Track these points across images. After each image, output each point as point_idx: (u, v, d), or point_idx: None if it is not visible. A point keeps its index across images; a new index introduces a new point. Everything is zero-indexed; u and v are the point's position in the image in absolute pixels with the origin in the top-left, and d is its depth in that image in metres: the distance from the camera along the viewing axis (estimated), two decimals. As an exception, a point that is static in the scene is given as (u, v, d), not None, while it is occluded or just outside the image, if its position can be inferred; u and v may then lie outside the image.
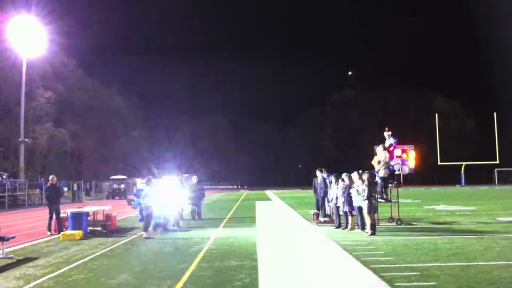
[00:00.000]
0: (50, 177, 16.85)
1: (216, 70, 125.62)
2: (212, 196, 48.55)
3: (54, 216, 15.98)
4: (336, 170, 17.55)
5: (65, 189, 17.74)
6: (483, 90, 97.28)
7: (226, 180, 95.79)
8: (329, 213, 17.52)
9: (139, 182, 20.96)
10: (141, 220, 18.89)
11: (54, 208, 15.99)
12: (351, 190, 14.76)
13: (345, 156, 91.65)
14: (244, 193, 60.45)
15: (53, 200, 16.15)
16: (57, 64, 62.82)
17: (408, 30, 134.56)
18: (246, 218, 20.89)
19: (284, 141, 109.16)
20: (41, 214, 23.38)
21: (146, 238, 14.10)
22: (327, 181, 17.17)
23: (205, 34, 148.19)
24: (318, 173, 17.87)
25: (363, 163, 17.65)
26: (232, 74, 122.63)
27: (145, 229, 14.47)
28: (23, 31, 40.69)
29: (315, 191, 18.20)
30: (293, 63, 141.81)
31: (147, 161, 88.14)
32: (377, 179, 16.01)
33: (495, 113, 66.13)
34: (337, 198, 15.64)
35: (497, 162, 68.39)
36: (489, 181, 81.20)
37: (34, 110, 57.14)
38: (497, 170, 79.59)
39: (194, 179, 22.03)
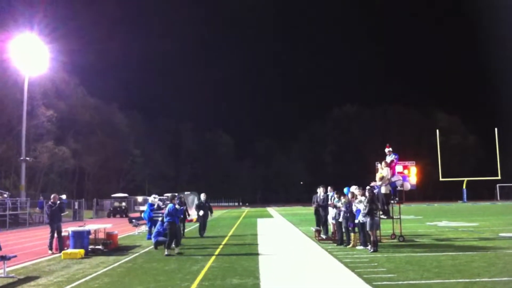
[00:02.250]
0: (52, 195, 16.82)
1: (218, 87, 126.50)
2: (213, 213, 48.36)
3: (55, 234, 15.94)
4: (337, 186, 17.51)
5: (64, 196, 17.63)
6: (484, 105, 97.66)
7: (228, 197, 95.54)
8: (331, 230, 17.45)
9: (152, 197, 20.98)
10: (149, 238, 18.80)
11: (55, 226, 15.95)
12: (354, 204, 14.76)
13: (347, 172, 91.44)
14: (246, 210, 60.25)
15: (54, 218, 16.09)
16: (59, 82, 63.13)
17: (409, 46, 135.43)
18: (248, 235, 20.83)
19: (285, 157, 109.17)
20: (42, 233, 23.32)
21: (167, 255, 14.16)
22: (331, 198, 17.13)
23: (207, 50, 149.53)
24: (320, 189, 17.84)
25: (365, 179, 17.64)
26: (234, 90, 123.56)
27: (168, 246, 14.58)
28: (25, 49, 40.92)
29: (315, 208, 18.17)
30: (295, 78, 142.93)
31: (149, 179, 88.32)
32: (378, 193, 16.04)
33: (496, 129, 66.17)
34: (339, 214, 15.61)
35: (499, 177, 68.23)
36: (491, 197, 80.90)
37: (36, 128, 57.31)
38: (499, 186, 79.40)
39: (203, 196, 21.97)
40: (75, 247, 14.83)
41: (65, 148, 60.97)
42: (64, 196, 17.31)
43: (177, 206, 15.33)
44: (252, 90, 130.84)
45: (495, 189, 79.86)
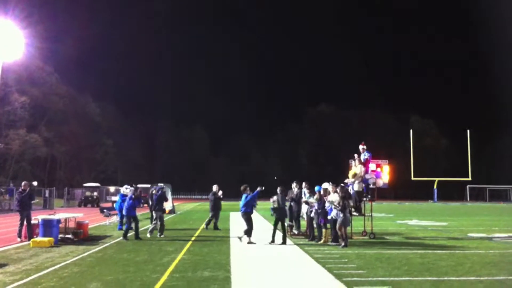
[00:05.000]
0: (23, 183, 16.57)
1: (196, 81, 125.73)
2: (185, 206, 48.28)
3: (25, 222, 15.70)
4: (312, 184, 17.58)
5: (35, 183, 17.37)
6: (457, 108, 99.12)
7: (201, 190, 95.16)
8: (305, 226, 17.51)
9: (124, 188, 20.69)
10: (120, 228, 18.67)
11: (25, 214, 15.71)
12: (326, 202, 14.86)
13: (322, 171, 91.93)
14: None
15: (24, 206, 15.85)
16: (33, 69, 61.97)
17: (385, 49, 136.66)
18: (220, 229, 20.78)
19: (261, 155, 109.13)
20: (11, 220, 22.95)
21: (249, 243, 15.04)
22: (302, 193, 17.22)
23: (186, 46, 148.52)
24: (294, 184, 17.85)
25: (339, 178, 17.74)
26: (211, 86, 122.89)
27: (249, 234, 15.42)
28: (-1, 34, 40.08)
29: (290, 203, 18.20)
30: (272, 78, 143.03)
31: (121, 170, 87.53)
32: (351, 190, 16.19)
33: (468, 131, 67.29)
34: (311, 210, 15.71)
35: (469, 179, 69.54)
36: (461, 197, 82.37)
37: (8, 114, 56.30)
38: (469, 187, 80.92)
39: (215, 187, 21.81)
40: (44, 236, 14.63)
41: (37, 136, 60.03)
42: (35, 183, 17.04)
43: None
44: (231, 88, 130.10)
45: (465, 190, 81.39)
